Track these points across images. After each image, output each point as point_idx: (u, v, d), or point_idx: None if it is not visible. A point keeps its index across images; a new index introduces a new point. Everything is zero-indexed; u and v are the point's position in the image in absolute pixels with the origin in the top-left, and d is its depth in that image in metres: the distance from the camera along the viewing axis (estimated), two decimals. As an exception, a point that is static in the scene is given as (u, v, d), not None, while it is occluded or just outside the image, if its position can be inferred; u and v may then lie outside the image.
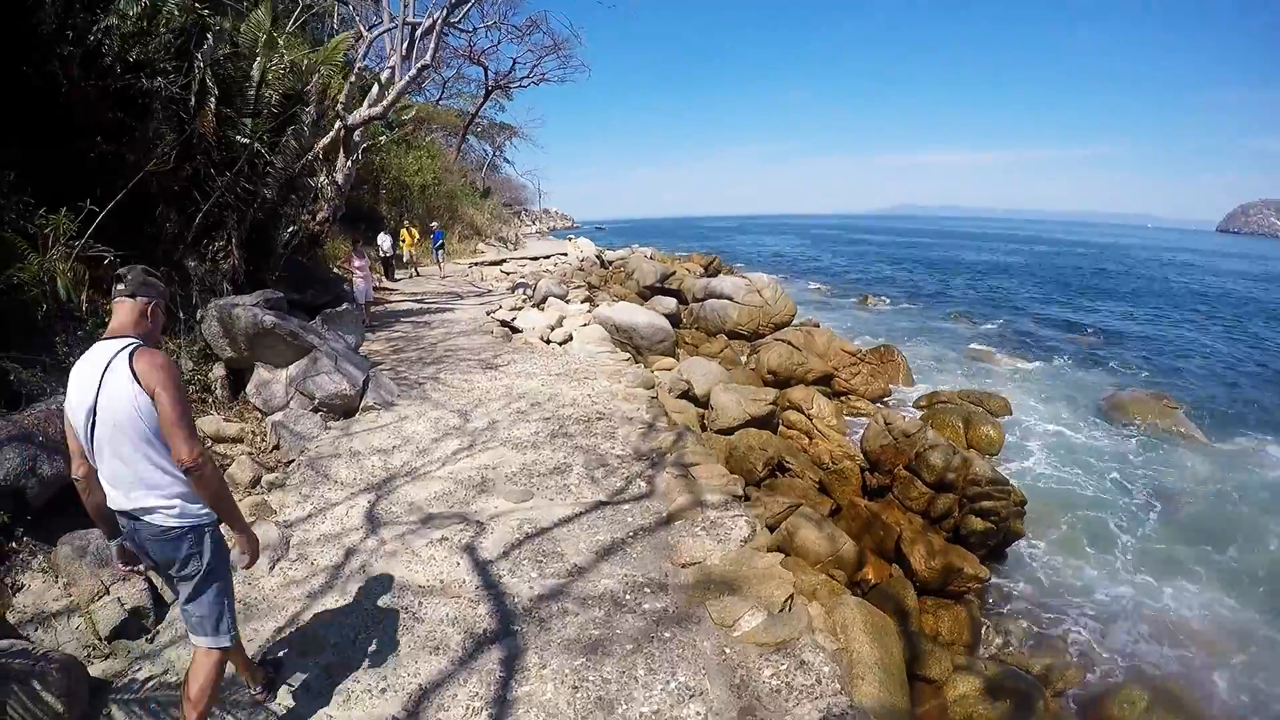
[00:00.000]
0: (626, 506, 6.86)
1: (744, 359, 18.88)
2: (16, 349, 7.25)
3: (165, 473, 3.42)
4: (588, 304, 20.26)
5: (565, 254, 38.57)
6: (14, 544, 5.48)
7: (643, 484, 7.40)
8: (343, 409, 9.68)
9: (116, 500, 3.46)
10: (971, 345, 25.82)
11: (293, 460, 8.40)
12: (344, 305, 13.18)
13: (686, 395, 12.73)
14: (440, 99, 54.55)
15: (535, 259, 36.24)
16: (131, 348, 3.32)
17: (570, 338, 15.65)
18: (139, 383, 3.25)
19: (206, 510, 3.56)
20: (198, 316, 10.15)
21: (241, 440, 8.77)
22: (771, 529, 7.49)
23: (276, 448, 8.80)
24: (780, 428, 12.90)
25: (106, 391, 3.27)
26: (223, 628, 3.71)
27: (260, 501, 7.11)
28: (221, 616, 3.70)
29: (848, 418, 15.15)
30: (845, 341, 18.41)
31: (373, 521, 6.65)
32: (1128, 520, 12.06)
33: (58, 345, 7.62)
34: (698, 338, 20.98)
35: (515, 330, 16.26)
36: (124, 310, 3.49)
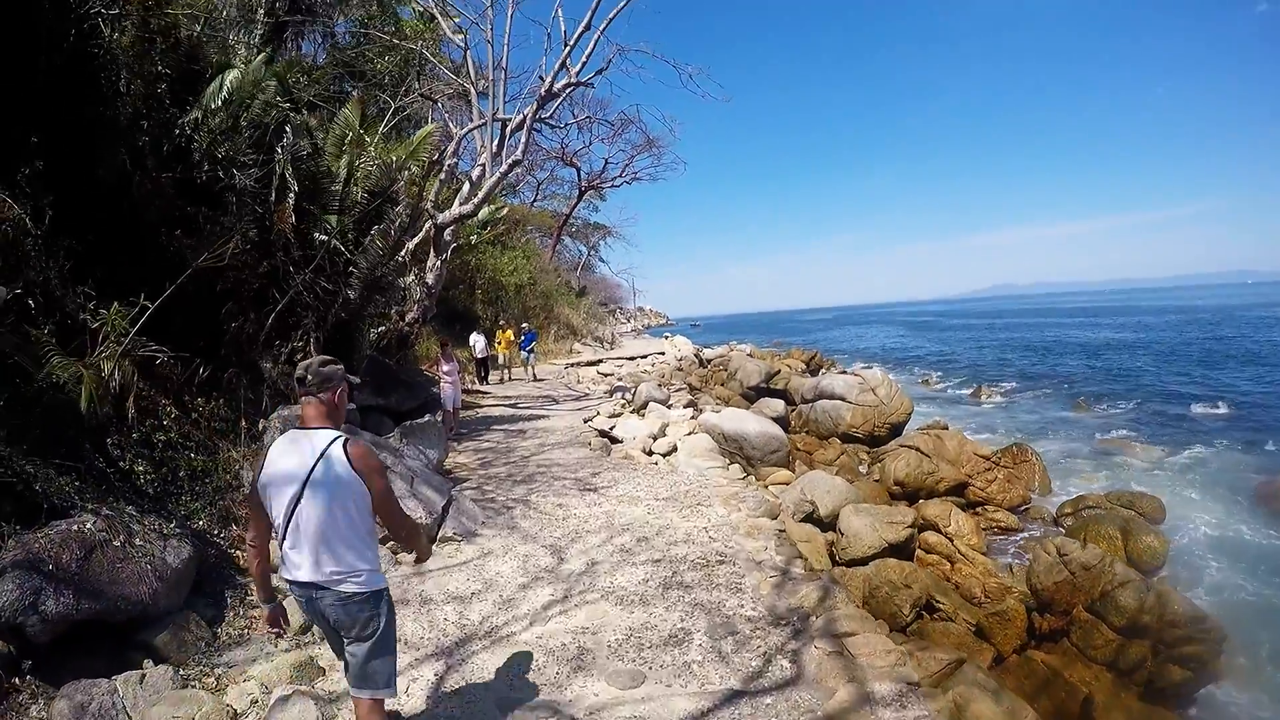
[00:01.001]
0: (769, 700, 5.20)
1: (864, 468, 17.21)
2: (55, 454, 6.54)
3: (360, 549, 3.83)
4: (690, 409, 18.87)
5: (663, 353, 37.52)
6: (17, 680, 4.92)
7: (786, 663, 5.75)
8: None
9: (306, 573, 3.79)
10: (1102, 436, 23.61)
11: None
12: (426, 416, 11.99)
13: (811, 518, 11.13)
14: (535, 200, 55.38)
15: (632, 359, 35.18)
16: (344, 440, 3.76)
17: (675, 448, 14.26)
18: (355, 470, 3.71)
19: (384, 578, 4.02)
20: (259, 427, 9.11)
21: (298, 574, 7.54)
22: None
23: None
24: (917, 551, 11.26)
25: (321, 478, 3.67)
26: (393, 681, 4.08)
27: (305, 660, 5.81)
28: (392, 672, 4.07)
29: (987, 533, 13.43)
30: (977, 444, 16.60)
31: (438, 704, 5.29)
32: None
33: (109, 448, 7.18)
34: (810, 443, 19.34)
35: (615, 440, 14.91)
36: (313, 407, 3.88)
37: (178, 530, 6.64)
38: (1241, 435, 23.17)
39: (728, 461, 14.14)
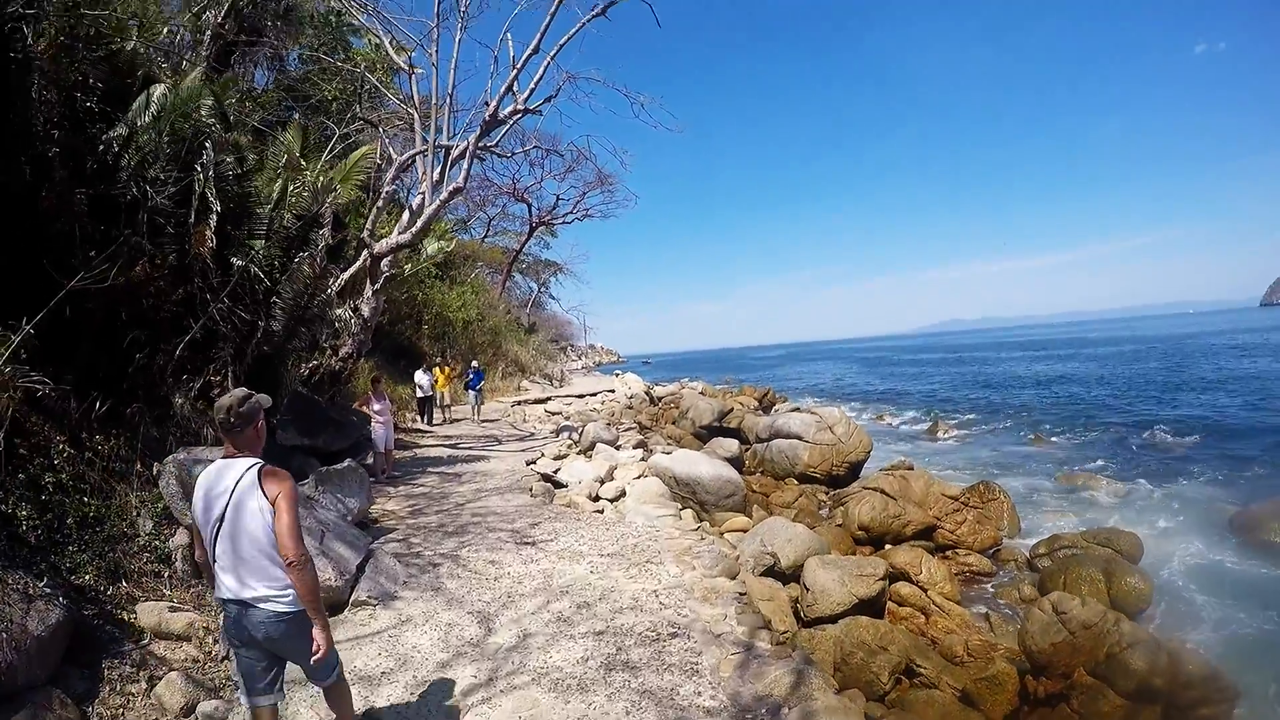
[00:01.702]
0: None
1: (826, 511, 16.29)
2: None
3: (283, 570, 4.02)
4: (640, 449, 17.85)
5: (613, 391, 36.59)
6: None
7: (756, 781, 4.72)
8: (326, 604, 7.25)
9: (232, 591, 4.07)
10: (1065, 470, 22.95)
11: (246, 680, 6.03)
12: (348, 461, 10.79)
13: (772, 571, 10.14)
14: (486, 237, 54.68)
15: (581, 396, 34.17)
16: (260, 466, 4.08)
17: (623, 493, 13.24)
18: (265, 495, 4.00)
19: None
20: (153, 471, 8.03)
21: (189, 639, 6.44)
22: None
23: (227, 658, 6.35)
24: (888, 604, 10.37)
25: (238, 502, 3.99)
26: (335, 668, 4.54)
27: None
28: (337, 659, 4.55)
29: (959, 579, 12.57)
30: (945, 483, 15.76)
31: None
32: None
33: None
34: (766, 484, 18.41)
35: (559, 485, 13.84)
36: (235, 443, 4.11)
37: (47, 590, 5.56)
38: (1209, 464, 22.92)
39: (680, 507, 13.16)
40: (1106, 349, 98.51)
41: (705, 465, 14.51)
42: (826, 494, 18.00)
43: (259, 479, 4.01)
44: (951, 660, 8.84)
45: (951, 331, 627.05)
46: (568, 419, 25.43)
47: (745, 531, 12.03)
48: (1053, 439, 29.85)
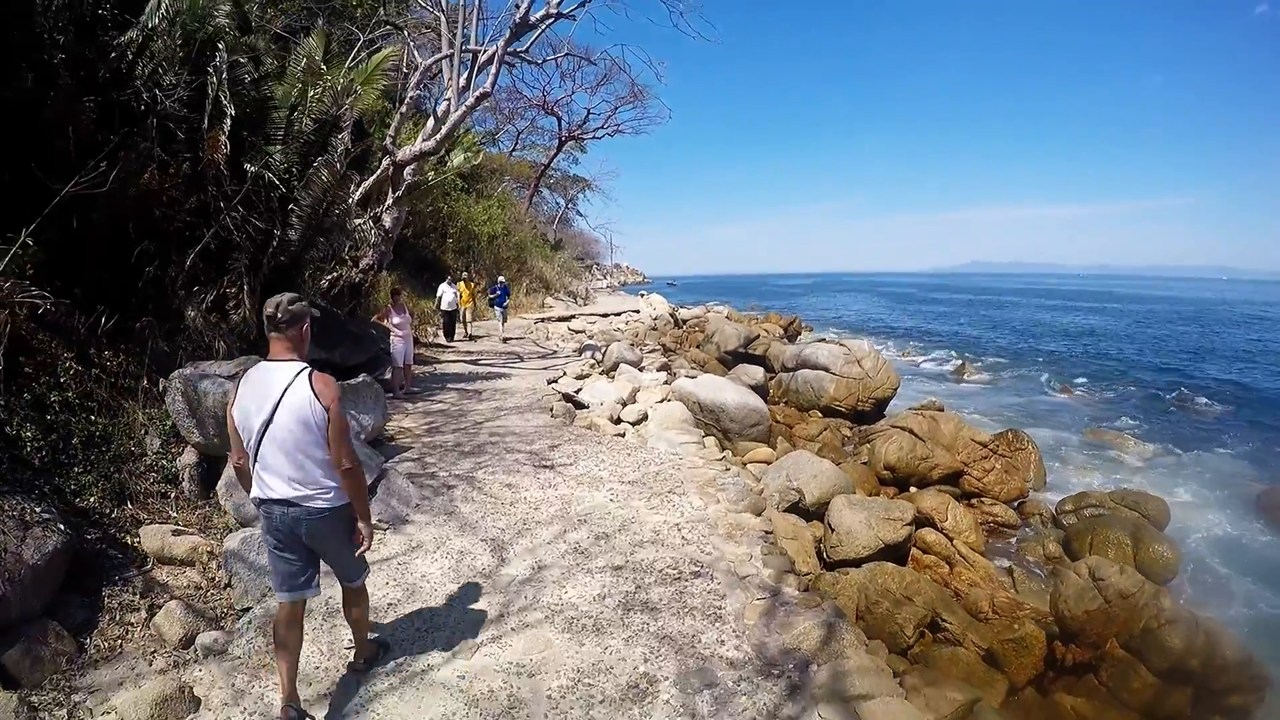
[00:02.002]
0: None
1: (850, 447, 15.91)
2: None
3: (327, 469, 4.15)
4: (664, 372, 17.48)
5: (637, 311, 36.10)
6: None
7: (782, 741, 4.38)
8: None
9: (278, 490, 4.11)
10: (1093, 426, 22.50)
11: (249, 609, 5.75)
12: (363, 376, 10.40)
13: (796, 507, 9.81)
14: (514, 150, 53.52)
15: (605, 316, 33.64)
16: (309, 370, 4.07)
17: (645, 417, 12.86)
18: (319, 400, 4.00)
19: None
20: (159, 387, 7.71)
21: (192, 564, 6.18)
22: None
23: (229, 585, 6.07)
24: (912, 550, 10.06)
25: (288, 405, 3.97)
26: (365, 570, 4.71)
27: (174, 692, 4.60)
28: (365, 564, 4.67)
29: (983, 529, 12.25)
30: (975, 429, 15.32)
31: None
32: None
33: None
34: (790, 415, 18.07)
35: (580, 406, 13.42)
36: (281, 343, 4.12)
37: (45, 515, 5.30)
38: (1240, 435, 22.48)
39: (703, 434, 12.82)
40: (1136, 306, 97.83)
41: (731, 392, 14.14)
42: (851, 429, 17.67)
43: (310, 382, 4.03)
44: (976, 616, 8.52)
45: (980, 274, 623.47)
46: (591, 338, 25.03)
47: (769, 463, 11.72)
48: (1080, 392, 29.39)
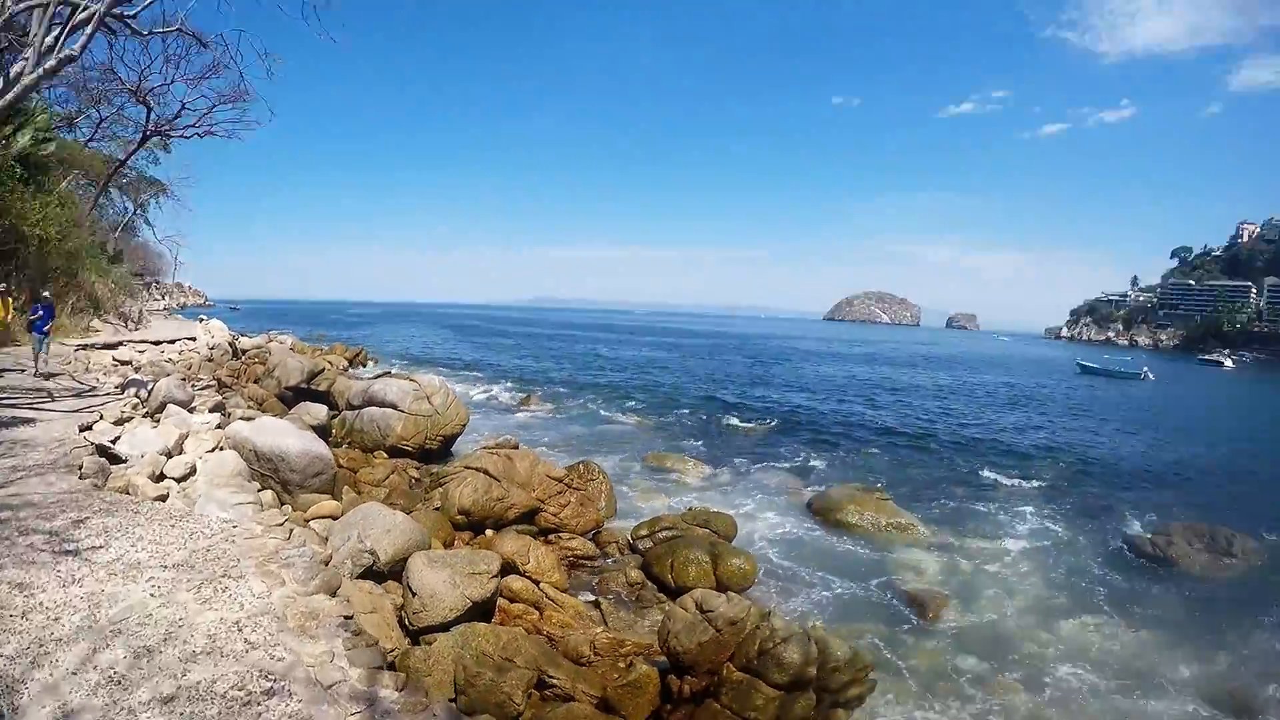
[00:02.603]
0: None
1: (419, 491, 15.53)
2: None
3: None
4: (217, 413, 15.98)
5: (193, 339, 33.03)
6: None
7: None
8: None
9: None
10: (654, 450, 24.21)
11: None
12: None
13: (371, 571, 9.28)
14: (91, 140, 45.86)
15: (158, 344, 30.13)
16: None
17: (194, 471, 11.52)
18: None
19: None
20: None
21: None
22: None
23: None
24: (499, 600, 9.95)
25: None
26: None
27: None
28: None
29: (564, 564, 12.80)
30: (550, 464, 15.85)
31: None
32: (911, 642, 11.84)
33: None
34: (355, 458, 17.23)
35: (117, 460, 11.55)
36: None
37: None
38: (784, 452, 25.70)
39: (259, 487, 11.92)
40: (690, 340, 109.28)
41: (292, 437, 13.24)
42: (418, 469, 17.23)
43: None
44: (580, 662, 8.71)
45: (548, 307, 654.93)
46: (138, 370, 22.23)
47: (335, 519, 11.09)
48: (640, 418, 31.54)
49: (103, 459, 11.17)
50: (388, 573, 9.46)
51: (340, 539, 9.65)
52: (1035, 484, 23.29)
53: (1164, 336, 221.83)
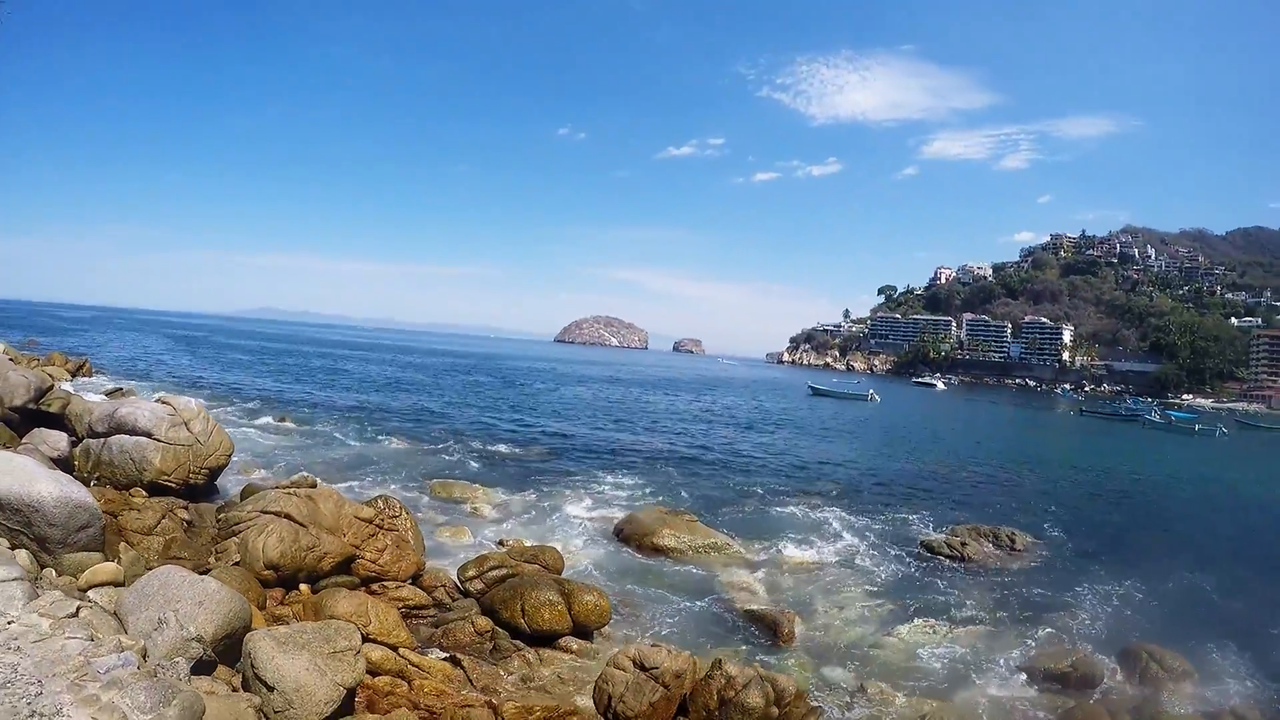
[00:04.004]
0: None
1: (200, 538, 12.89)
2: None
3: None
4: None
5: None
6: None
7: None
8: None
9: None
10: (438, 479, 22.41)
11: None
12: None
13: (202, 663, 7.04)
14: None
15: None
16: None
17: None
18: None
19: None
20: None
21: None
22: None
23: None
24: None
25: None
26: None
27: None
28: None
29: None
30: (357, 504, 13.64)
31: None
32: (776, 662, 11.82)
33: None
34: (111, 498, 13.73)
35: None
36: None
37: None
38: (562, 475, 25.10)
39: (7, 544, 9.22)
40: (432, 359, 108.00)
41: (45, 482, 10.13)
42: (186, 509, 14.46)
43: None
44: None
45: (273, 320, 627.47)
46: None
47: (119, 585, 8.77)
48: (405, 442, 29.49)
49: None
50: (217, 658, 7.32)
51: (141, 619, 7.34)
52: (820, 497, 24.47)
53: (877, 362, 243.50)
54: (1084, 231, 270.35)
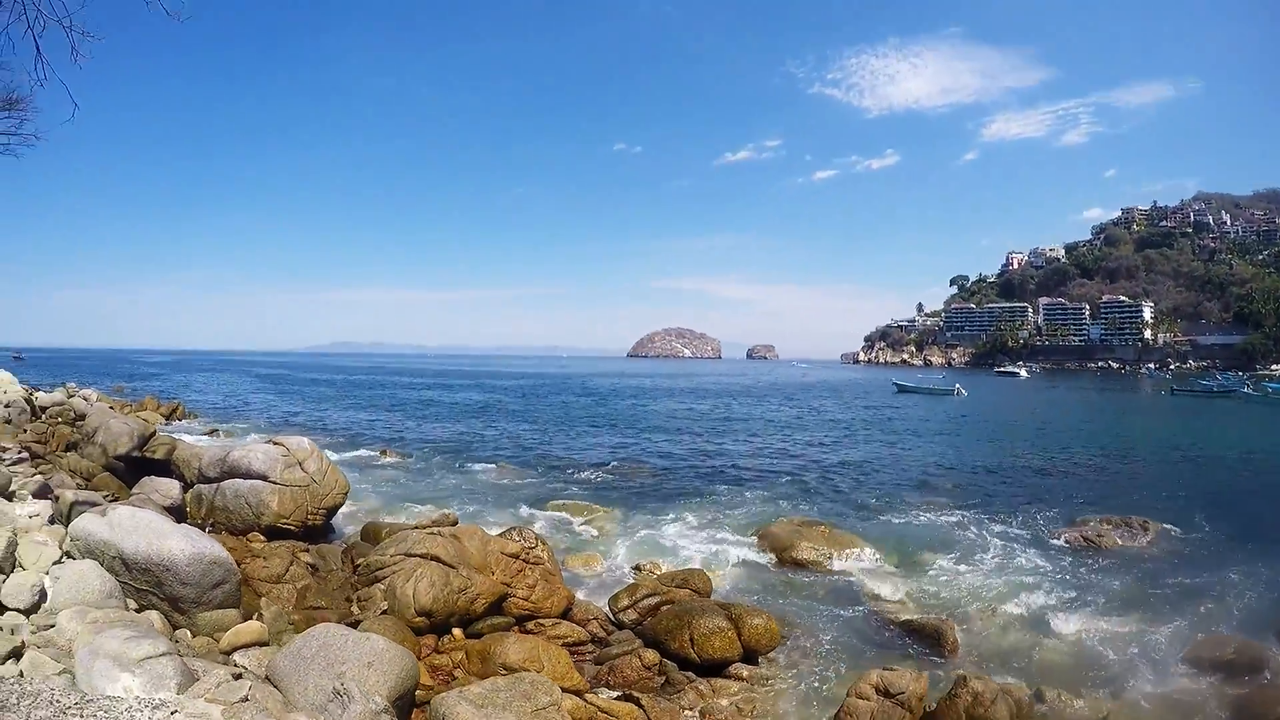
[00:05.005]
0: None
1: (334, 585, 12.03)
2: None
3: None
4: (46, 500, 11.98)
5: (-17, 394, 27.41)
6: None
7: None
8: None
9: None
10: (551, 503, 21.54)
11: None
12: None
13: None
14: None
15: None
16: None
17: (42, 596, 7.92)
18: None
19: None
20: None
21: None
22: None
23: None
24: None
25: None
26: None
27: None
28: None
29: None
30: (501, 539, 12.79)
31: None
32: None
33: None
34: (234, 547, 12.94)
35: None
36: None
37: None
38: (686, 491, 24.12)
39: (135, 606, 8.42)
40: (514, 382, 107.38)
41: (177, 539, 9.39)
42: (306, 551, 13.75)
43: None
44: None
45: (348, 353, 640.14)
46: None
47: (264, 645, 7.89)
48: (513, 466, 28.77)
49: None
50: (395, 723, 6.29)
51: (309, 688, 6.39)
52: (940, 496, 23.60)
53: (955, 355, 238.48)
54: (1155, 203, 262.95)
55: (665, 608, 11.56)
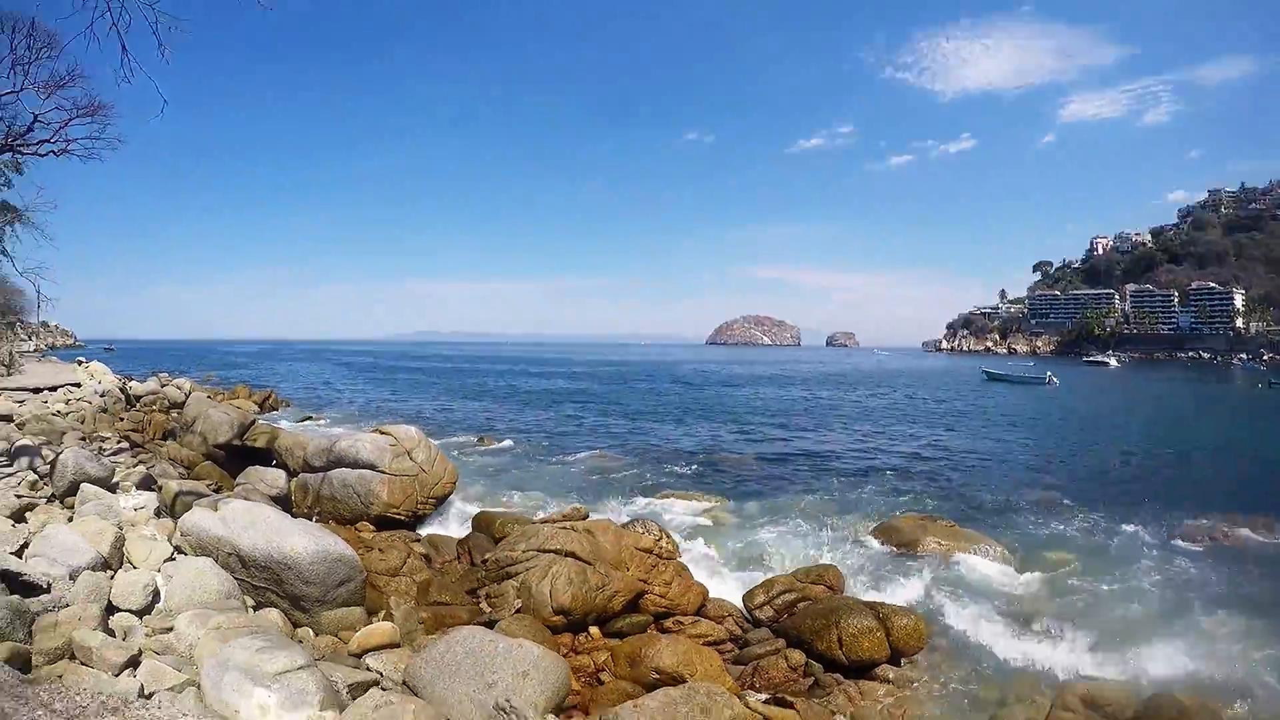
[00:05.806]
0: None
1: (455, 579, 11.33)
2: None
3: None
4: (151, 491, 11.38)
5: (78, 385, 27.30)
6: None
7: None
8: None
9: None
10: (662, 490, 20.96)
11: None
12: None
13: None
14: None
15: (38, 391, 24.64)
16: None
17: (155, 596, 7.19)
18: None
19: None
20: None
21: None
22: None
23: None
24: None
25: None
26: None
27: None
28: None
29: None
30: (634, 533, 12.05)
31: None
32: None
33: None
34: (348, 538, 12.41)
35: (33, 589, 6.71)
36: None
37: None
38: (793, 481, 23.44)
39: (252, 604, 7.66)
40: (599, 369, 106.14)
41: (299, 536, 8.69)
42: (418, 541, 13.35)
43: None
44: None
45: (431, 341, 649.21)
46: (21, 427, 16.96)
47: (395, 647, 7.22)
48: (615, 454, 28.07)
49: (12, 595, 6.50)
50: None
51: (464, 700, 5.65)
52: (1052, 491, 22.34)
53: (1040, 343, 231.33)
54: (1243, 184, 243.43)
55: (804, 604, 10.97)
